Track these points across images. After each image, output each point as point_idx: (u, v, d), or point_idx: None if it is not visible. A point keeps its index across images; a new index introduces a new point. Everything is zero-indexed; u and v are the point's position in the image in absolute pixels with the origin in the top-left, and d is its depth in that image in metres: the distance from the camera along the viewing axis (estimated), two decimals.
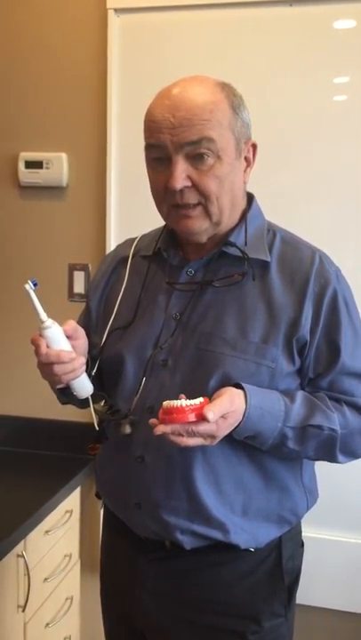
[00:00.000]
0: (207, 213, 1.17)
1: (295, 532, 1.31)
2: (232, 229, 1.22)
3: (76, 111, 2.05)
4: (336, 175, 1.85)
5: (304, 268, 1.20)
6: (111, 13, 1.95)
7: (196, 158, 1.13)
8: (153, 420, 1.09)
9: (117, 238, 2.01)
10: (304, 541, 1.36)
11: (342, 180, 1.85)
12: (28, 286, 1.11)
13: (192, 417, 1.06)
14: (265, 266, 1.21)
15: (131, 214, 1.99)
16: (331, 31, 1.83)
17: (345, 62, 1.83)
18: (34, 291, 1.11)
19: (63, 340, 1.14)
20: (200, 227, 1.18)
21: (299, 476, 1.27)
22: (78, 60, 2.03)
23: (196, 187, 1.14)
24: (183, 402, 1.07)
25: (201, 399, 1.09)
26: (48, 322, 1.13)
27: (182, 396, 1.10)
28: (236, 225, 1.23)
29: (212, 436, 1.10)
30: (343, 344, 1.20)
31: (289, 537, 1.28)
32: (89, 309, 1.39)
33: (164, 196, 1.17)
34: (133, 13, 1.94)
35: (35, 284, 1.11)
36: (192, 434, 1.07)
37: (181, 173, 1.13)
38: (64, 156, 2.07)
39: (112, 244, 2.02)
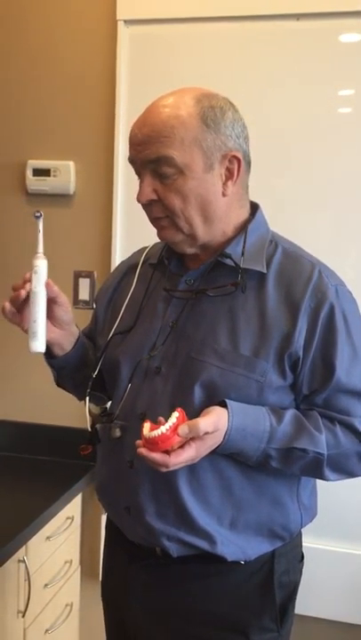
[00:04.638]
0: (176, 226, 1.18)
1: (291, 547, 1.29)
2: (231, 239, 1.22)
3: (85, 120, 2.07)
4: (339, 186, 1.87)
5: (301, 281, 1.18)
6: (121, 25, 1.97)
7: (160, 174, 1.15)
8: (138, 442, 1.09)
9: (123, 246, 2.03)
10: (304, 552, 1.35)
11: (345, 191, 1.86)
12: (38, 214, 1.19)
13: (176, 439, 1.07)
14: (262, 277, 1.19)
15: (136, 223, 1.98)
16: (337, 44, 1.84)
17: (350, 75, 1.84)
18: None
19: (43, 276, 1.20)
20: (173, 237, 1.20)
21: (295, 492, 1.25)
22: (88, 70, 2.05)
23: (161, 201, 1.17)
24: (163, 428, 1.06)
25: (176, 414, 1.08)
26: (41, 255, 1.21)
27: (161, 419, 1.10)
28: (236, 236, 1.22)
29: (192, 459, 1.11)
30: (339, 361, 1.17)
31: (283, 551, 1.26)
32: (96, 313, 1.42)
33: (144, 208, 1.20)
34: (143, 25, 1.96)
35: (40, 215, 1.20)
36: (174, 464, 1.07)
37: (147, 188, 1.16)
38: (71, 164, 2.09)
39: (118, 252, 2.04)
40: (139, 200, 1.17)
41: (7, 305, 1.20)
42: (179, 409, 1.10)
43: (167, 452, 1.07)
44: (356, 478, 1.32)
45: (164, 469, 1.08)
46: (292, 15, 1.85)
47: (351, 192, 1.86)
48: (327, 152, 1.86)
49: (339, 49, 1.84)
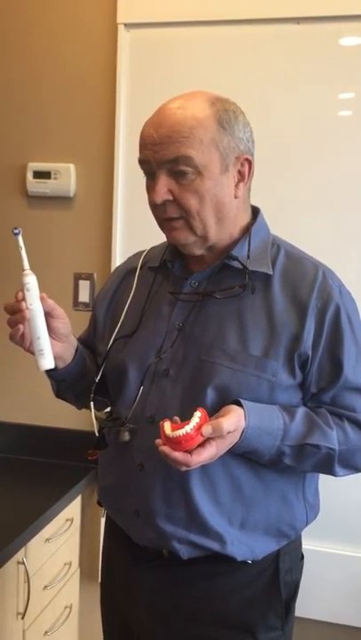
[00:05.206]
0: (190, 227, 1.19)
1: (294, 546, 1.31)
2: (235, 242, 1.23)
3: (85, 123, 2.08)
4: (339, 188, 1.87)
5: (306, 283, 1.20)
6: (121, 28, 1.98)
7: (177, 174, 1.15)
8: (158, 441, 1.09)
9: (123, 249, 2.04)
10: (304, 554, 1.36)
11: (345, 193, 1.87)
12: (17, 231, 1.15)
13: (199, 438, 1.07)
14: (267, 279, 1.21)
15: (137, 225, 2.01)
16: (337, 48, 1.85)
17: (350, 78, 1.85)
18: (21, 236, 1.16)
19: (35, 292, 1.17)
20: (186, 239, 1.20)
21: (301, 490, 1.27)
22: (88, 73, 2.06)
23: (176, 201, 1.17)
24: (187, 427, 1.06)
25: (199, 414, 1.09)
26: (28, 271, 1.17)
27: (177, 419, 1.10)
28: (240, 238, 1.24)
29: (212, 458, 1.11)
30: (346, 360, 1.20)
31: (287, 550, 1.28)
32: (95, 318, 1.42)
33: (154, 209, 1.20)
34: (143, 29, 1.97)
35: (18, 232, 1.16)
36: (196, 463, 1.08)
37: (162, 188, 1.16)
38: (72, 166, 2.10)
39: (118, 254, 2.05)
40: (154, 200, 1.17)
41: (20, 327, 1.18)
42: (200, 409, 1.10)
43: (187, 451, 1.07)
44: (356, 481, 1.33)
45: (184, 468, 1.09)
46: (293, 19, 1.86)
47: (351, 194, 1.87)
48: (327, 154, 1.87)
49: (339, 52, 1.85)
